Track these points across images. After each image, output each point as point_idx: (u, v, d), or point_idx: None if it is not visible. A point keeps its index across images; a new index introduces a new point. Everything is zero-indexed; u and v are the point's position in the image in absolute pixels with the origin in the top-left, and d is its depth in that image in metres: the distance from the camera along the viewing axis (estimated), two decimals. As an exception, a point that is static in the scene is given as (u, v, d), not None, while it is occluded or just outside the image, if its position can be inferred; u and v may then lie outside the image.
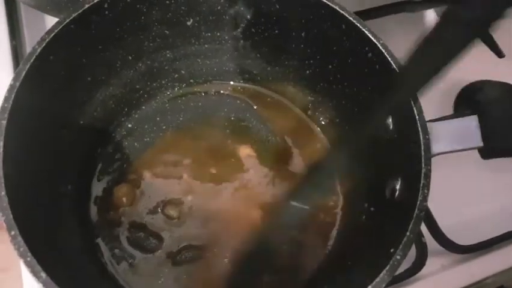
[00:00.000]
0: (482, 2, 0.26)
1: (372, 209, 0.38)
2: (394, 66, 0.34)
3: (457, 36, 0.27)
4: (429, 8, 0.57)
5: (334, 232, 0.42)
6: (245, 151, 0.45)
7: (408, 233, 0.30)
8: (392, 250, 0.30)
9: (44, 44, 0.32)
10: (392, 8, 0.55)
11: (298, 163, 0.45)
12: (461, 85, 0.55)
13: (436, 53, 0.28)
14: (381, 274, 0.29)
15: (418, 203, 0.31)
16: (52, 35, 0.33)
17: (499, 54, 0.53)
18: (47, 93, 0.35)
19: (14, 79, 0.31)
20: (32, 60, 0.32)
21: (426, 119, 0.40)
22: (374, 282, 0.29)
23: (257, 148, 0.45)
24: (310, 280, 0.40)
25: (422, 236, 0.45)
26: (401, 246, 0.30)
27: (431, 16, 0.60)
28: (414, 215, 0.30)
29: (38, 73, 0.33)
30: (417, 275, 0.43)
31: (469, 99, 0.53)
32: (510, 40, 0.54)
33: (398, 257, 0.30)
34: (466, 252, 0.45)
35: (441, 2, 0.57)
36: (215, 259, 0.40)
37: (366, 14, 0.52)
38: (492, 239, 0.46)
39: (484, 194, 0.50)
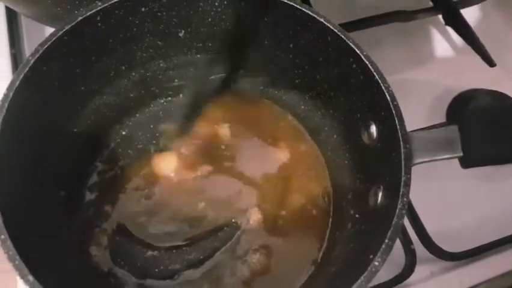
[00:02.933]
0: None
1: (357, 216, 0.39)
2: (377, 77, 0.35)
3: None
4: (421, 18, 0.58)
5: (325, 239, 0.43)
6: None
7: (387, 240, 0.30)
8: (371, 257, 0.30)
9: (37, 55, 0.33)
10: (383, 18, 0.55)
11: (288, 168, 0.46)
12: (453, 94, 0.55)
13: None
14: (359, 281, 0.29)
15: (397, 211, 0.31)
16: (45, 46, 0.34)
17: (490, 63, 0.54)
18: (40, 103, 0.36)
19: (8, 89, 0.32)
20: (25, 71, 0.33)
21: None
22: (351, 290, 0.29)
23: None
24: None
25: (411, 243, 0.45)
26: (379, 253, 0.30)
27: (427, 24, 0.60)
28: (393, 222, 0.31)
29: (32, 83, 0.33)
30: (406, 281, 0.44)
31: (461, 107, 0.53)
32: (501, 49, 0.55)
33: (376, 263, 0.30)
34: (455, 259, 0.46)
35: (432, 12, 0.58)
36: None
37: (356, 25, 0.53)
38: (481, 246, 0.46)
39: (473, 201, 0.50)
